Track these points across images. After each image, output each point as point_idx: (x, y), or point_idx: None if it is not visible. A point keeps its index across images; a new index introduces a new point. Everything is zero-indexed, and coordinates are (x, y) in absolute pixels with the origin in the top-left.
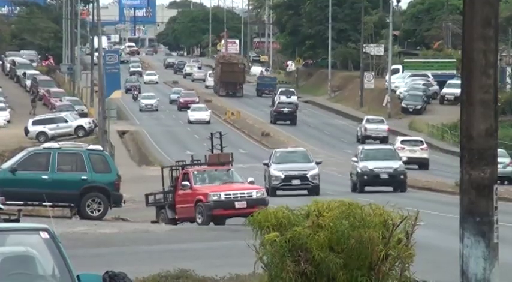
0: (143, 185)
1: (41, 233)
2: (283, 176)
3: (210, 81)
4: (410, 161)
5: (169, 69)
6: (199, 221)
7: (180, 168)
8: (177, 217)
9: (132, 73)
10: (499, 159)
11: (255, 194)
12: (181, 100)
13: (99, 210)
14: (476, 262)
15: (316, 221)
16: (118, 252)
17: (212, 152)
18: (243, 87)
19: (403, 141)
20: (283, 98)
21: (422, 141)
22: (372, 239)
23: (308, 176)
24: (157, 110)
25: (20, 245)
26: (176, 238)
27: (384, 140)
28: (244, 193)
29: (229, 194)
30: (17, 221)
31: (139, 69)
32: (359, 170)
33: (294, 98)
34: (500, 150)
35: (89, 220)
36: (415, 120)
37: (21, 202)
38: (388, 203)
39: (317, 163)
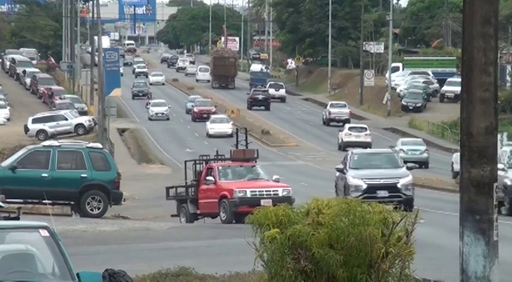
0: (143, 183)
1: (40, 231)
2: (365, 186)
3: (201, 76)
4: (356, 144)
5: (164, 64)
6: (222, 217)
7: (204, 162)
8: (198, 212)
9: (138, 74)
10: (416, 147)
11: (281, 192)
12: (196, 110)
13: (99, 208)
14: (476, 260)
15: (316, 218)
16: (118, 250)
17: (237, 147)
18: (235, 81)
19: (350, 128)
20: (272, 91)
21: (366, 128)
22: (372, 236)
23: (399, 185)
24: (168, 119)
25: (19, 243)
26: (176, 236)
27: (346, 121)
28: (270, 191)
29: (255, 191)
30: (17, 218)
31: (145, 70)
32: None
33: (282, 91)
34: (417, 139)
35: (89, 218)
36: (415, 118)
37: (21, 200)
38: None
39: (409, 168)
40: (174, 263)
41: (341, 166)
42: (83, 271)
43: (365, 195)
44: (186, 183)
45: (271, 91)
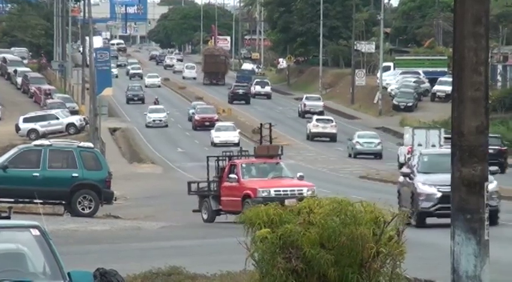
0: (134, 182)
1: (31, 230)
2: (439, 195)
3: (187, 73)
4: (322, 135)
5: (153, 61)
6: None
7: (227, 158)
8: (221, 209)
9: (132, 75)
10: (371, 140)
11: (305, 192)
12: (197, 117)
13: (90, 208)
14: (467, 259)
15: (307, 218)
16: (109, 250)
17: (261, 143)
18: (225, 78)
19: (317, 120)
20: (258, 88)
21: (332, 120)
22: (363, 236)
23: None
24: (166, 126)
25: (10, 242)
26: (167, 235)
27: (320, 114)
28: (294, 190)
29: (279, 191)
30: (8, 218)
31: (140, 71)
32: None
33: (267, 88)
34: (372, 133)
35: (80, 217)
36: (406, 117)
37: (12, 199)
38: (379, 200)
39: (491, 173)
40: (165, 262)
41: (407, 170)
42: (74, 270)
43: (439, 205)
44: (208, 178)
45: (258, 88)
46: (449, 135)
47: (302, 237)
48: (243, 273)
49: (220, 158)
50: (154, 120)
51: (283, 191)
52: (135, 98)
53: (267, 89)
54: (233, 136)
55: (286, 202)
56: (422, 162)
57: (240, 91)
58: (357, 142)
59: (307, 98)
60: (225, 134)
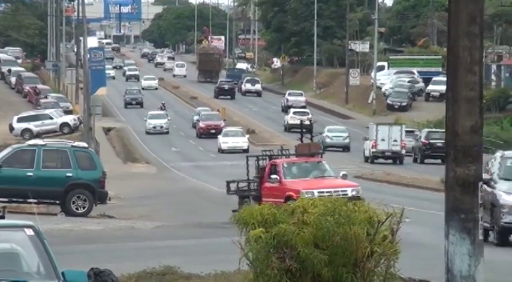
0: (128, 182)
1: (26, 229)
2: None
3: (177, 71)
4: (298, 127)
5: (145, 59)
6: None
7: (268, 158)
8: None
9: (128, 77)
10: (340, 134)
11: (350, 192)
12: (202, 124)
13: (84, 207)
14: (462, 259)
15: (301, 217)
16: (103, 249)
17: (301, 141)
18: (219, 76)
19: (294, 112)
20: (249, 86)
21: (308, 113)
22: (357, 235)
23: None
24: (167, 132)
25: (4, 242)
26: (162, 235)
27: (302, 108)
28: (338, 191)
29: (323, 192)
30: (2, 217)
31: (137, 72)
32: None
33: (258, 86)
34: (341, 127)
35: (74, 217)
36: (401, 117)
37: (6, 199)
38: (374, 200)
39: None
40: (159, 262)
41: (486, 176)
42: (68, 270)
43: None
44: (247, 178)
45: (248, 86)
46: (411, 129)
47: (296, 237)
48: (237, 273)
49: (261, 157)
50: (154, 127)
51: (327, 191)
52: (134, 102)
53: (258, 86)
54: (242, 142)
55: None
56: (505, 167)
57: (226, 86)
58: (327, 136)
59: (289, 94)
60: (234, 139)
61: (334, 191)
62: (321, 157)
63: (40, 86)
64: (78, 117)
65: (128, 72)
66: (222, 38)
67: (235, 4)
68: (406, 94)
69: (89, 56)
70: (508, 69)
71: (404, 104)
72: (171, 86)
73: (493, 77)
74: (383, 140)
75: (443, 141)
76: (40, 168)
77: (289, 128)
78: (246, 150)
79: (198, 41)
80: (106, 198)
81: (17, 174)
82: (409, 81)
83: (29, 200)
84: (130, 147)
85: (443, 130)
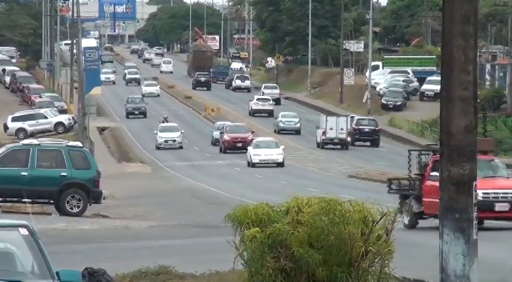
0: (123, 181)
1: (20, 229)
2: None
3: (164, 68)
4: (262, 111)
5: (135, 55)
6: None
7: (431, 153)
8: (423, 211)
9: (129, 81)
10: (292, 119)
11: None
12: (227, 137)
13: (78, 207)
14: (456, 258)
15: (296, 217)
16: (98, 249)
17: None
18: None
19: (258, 99)
20: (239, 82)
21: (269, 99)
22: (352, 235)
23: None
24: (181, 147)
25: None
26: (156, 234)
27: (277, 100)
28: (507, 193)
29: (488, 193)
30: None
31: (137, 76)
32: None
33: (247, 83)
34: (293, 113)
35: (69, 216)
36: (395, 116)
37: (0, 199)
38: (368, 200)
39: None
40: (154, 261)
41: None
42: (62, 269)
43: None
44: (409, 176)
45: (238, 82)
46: (361, 117)
47: (291, 237)
48: (232, 273)
49: (423, 152)
50: (166, 141)
51: (494, 193)
52: (136, 112)
53: (247, 83)
54: (276, 154)
55: (497, 207)
56: None
57: (202, 79)
58: (280, 120)
59: (265, 87)
60: (267, 151)
61: (503, 193)
62: (495, 155)
63: (34, 86)
64: (73, 117)
65: (128, 76)
66: (217, 37)
67: (230, 4)
68: (401, 93)
69: (83, 54)
70: (502, 68)
71: (398, 103)
72: (166, 86)
73: (487, 76)
74: (331, 129)
75: (370, 127)
76: (34, 168)
77: (253, 113)
78: (281, 164)
79: (193, 40)
80: (100, 198)
81: (11, 173)
82: (403, 81)
83: (23, 200)
84: (125, 147)
85: (371, 117)
